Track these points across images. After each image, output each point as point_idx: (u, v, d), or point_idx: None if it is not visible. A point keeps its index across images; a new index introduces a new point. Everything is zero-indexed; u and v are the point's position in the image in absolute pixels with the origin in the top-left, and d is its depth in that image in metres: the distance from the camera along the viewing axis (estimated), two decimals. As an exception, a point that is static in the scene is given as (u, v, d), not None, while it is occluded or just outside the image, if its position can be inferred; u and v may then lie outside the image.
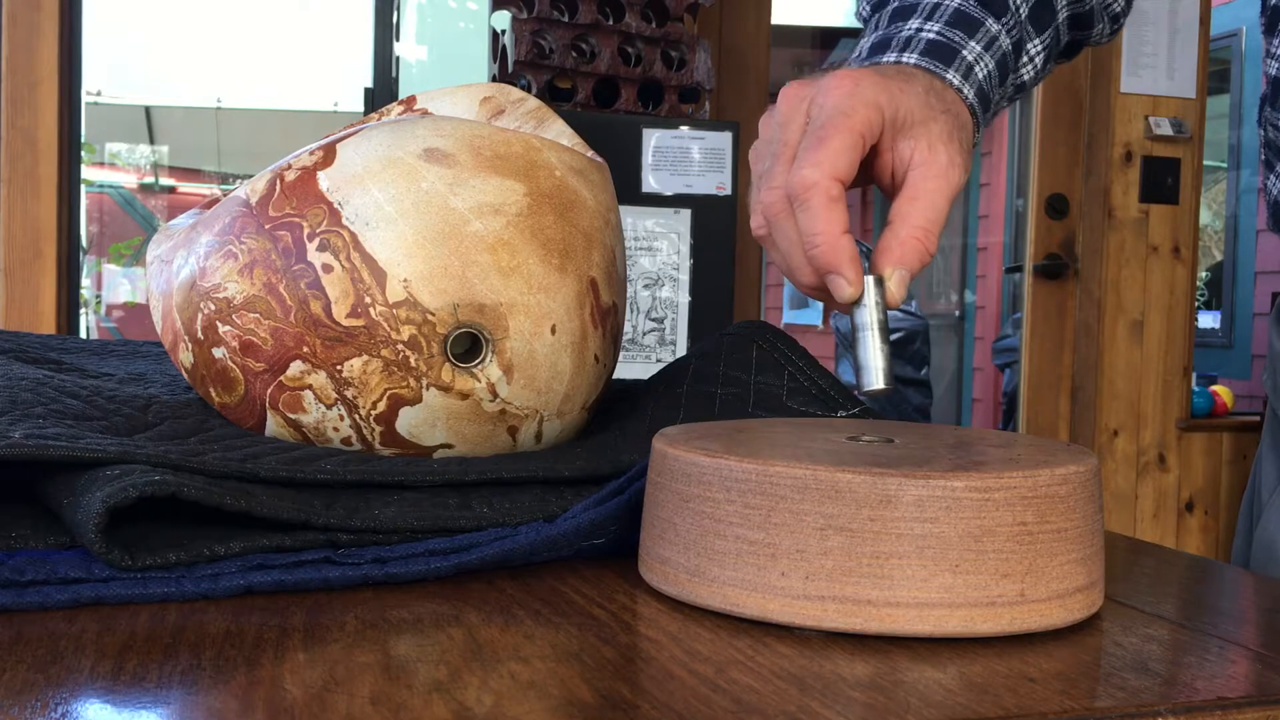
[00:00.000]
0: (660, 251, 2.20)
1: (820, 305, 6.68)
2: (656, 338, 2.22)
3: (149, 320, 0.65)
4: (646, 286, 2.21)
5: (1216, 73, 4.44)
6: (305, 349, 0.56)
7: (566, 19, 2.20)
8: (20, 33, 2.27)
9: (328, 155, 0.58)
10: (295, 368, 0.57)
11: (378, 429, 0.57)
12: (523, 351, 0.58)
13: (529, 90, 2.18)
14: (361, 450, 0.58)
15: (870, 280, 0.53)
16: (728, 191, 2.22)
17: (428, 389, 0.57)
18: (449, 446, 0.58)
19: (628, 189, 2.15)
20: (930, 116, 0.57)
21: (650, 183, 2.18)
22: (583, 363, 0.61)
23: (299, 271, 0.56)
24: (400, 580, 0.47)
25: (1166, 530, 2.97)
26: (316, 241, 0.56)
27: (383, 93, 2.64)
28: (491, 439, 0.59)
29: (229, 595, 0.44)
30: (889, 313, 0.54)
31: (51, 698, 0.34)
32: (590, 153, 0.65)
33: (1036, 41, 0.72)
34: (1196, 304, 3.02)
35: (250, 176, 0.63)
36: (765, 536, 0.42)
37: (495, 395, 0.58)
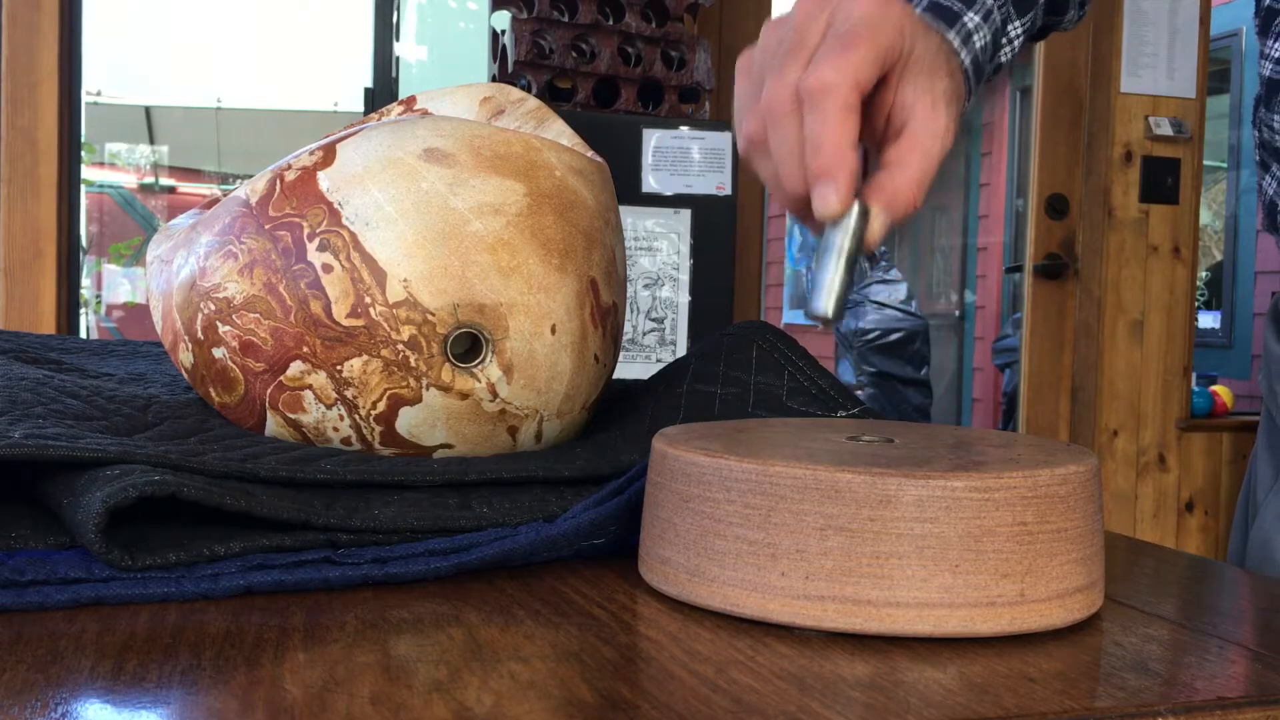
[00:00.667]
0: (660, 251, 2.20)
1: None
2: (656, 338, 2.22)
3: (149, 320, 0.65)
4: (646, 286, 2.21)
5: (1216, 73, 4.44)
6: (305, 349, 0.56)
7: (566, 19, 2.20)
8: (20, 33, 2.27)
9: (328, 155, 0.58)
10: (295, 368, 0.57)
11: (378, 429, 0.57)
12: (523, 351, 0.58)
13: (529, 90, 2.18)
14: (361, 450, 0.58)
15: (856, 205, 0.51)
16: (728, 191, 2.22)
17: (428, 389, 0.57)
18: (449, 446, 0.58)
19: (628, 189, 2.15)
20: (938, 71, 0.55)
21: (650, 183, 2.18)
22: (583, 363, 0.61)
23: (299, 271, 0.56)
24: (400, 580, 0.47)
25: (1166, 530, 2.97)
26: (316, 241, 0.56)
27: (383, 93, 2.64)
28: (491, 439, 0.59)
29: (229, 595, 0.44)
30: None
31: (51, 698, 0.34)
32: (590, 153, 0.66)
33: (1018, 23, 0.71)
34: (1196, 304, 3.02)
35: (250, 176, 0.63)
36: (765, 536, 0.42)
37: (495, 395, 0.58)
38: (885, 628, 0.41)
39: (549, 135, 0.69)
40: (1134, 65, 2.88)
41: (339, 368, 0.56)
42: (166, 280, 0.62)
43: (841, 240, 0.51)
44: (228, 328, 0.58)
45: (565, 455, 0.58)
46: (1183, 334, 2.96)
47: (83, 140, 2.47)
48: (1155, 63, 2.89)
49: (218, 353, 0.59)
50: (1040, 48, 2.93)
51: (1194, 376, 3.02)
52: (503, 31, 2.24)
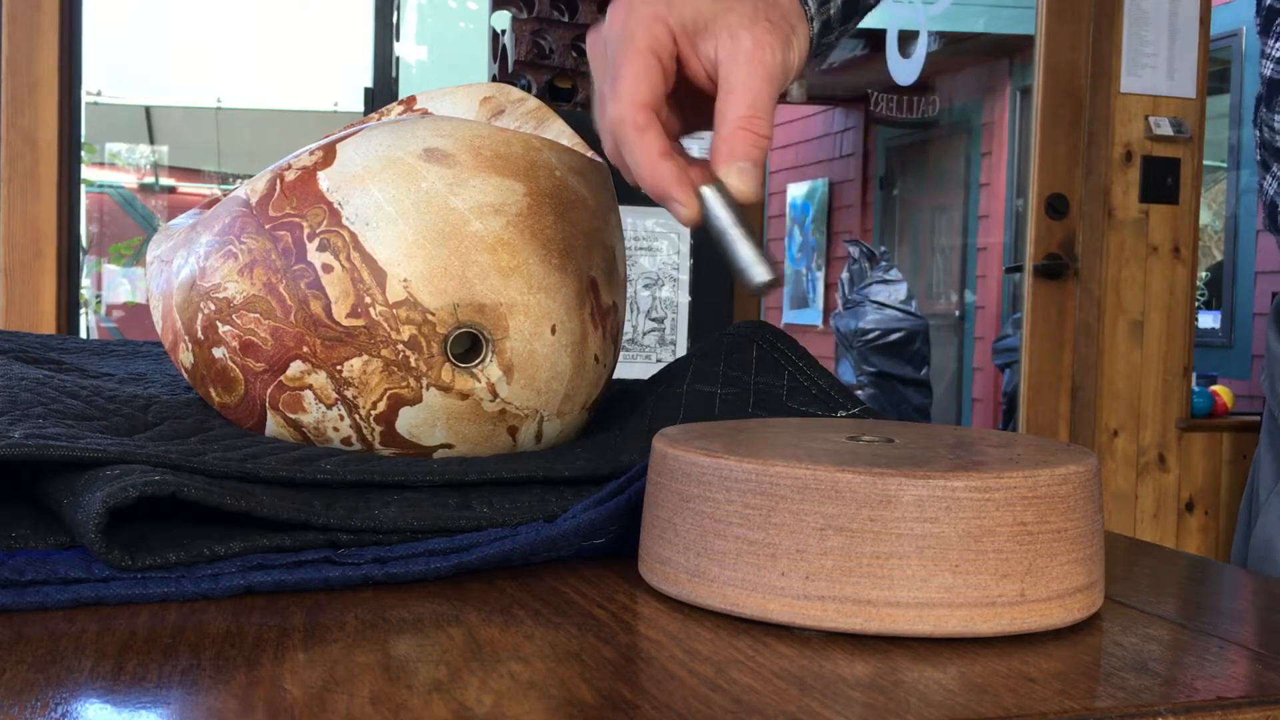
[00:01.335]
0: (660, 251, 2.20)
1: (820, 305, 6.70)
2: (656, 338, 2.22)
3: (149, 320, 0.65)
4: (646, 286, 2.21)
5: (1216, 73, 4.44)
6: (305, 349, 0.56)
7: (566, 19, 2.20)
8: (20, 33, 2.27)
9: (328, 155, 0.58)
10: (295, 368, 0.57)
11: (378, 429, 0.57)
12: (523, 351, 0.58)
13: (529, 90, 2.18)
14: (361, 450, 0.58)
15: (707, 190, 0.53)
16: (728, 191, 2.21)
17: (428, 389, 0.57)
18: (449, 446, 0.58)
19: (628, 189, 2.15)
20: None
21: (650, 183, 2.18)
22: (583, 363, 0.61)
23: (299, 271, 0.56)
24: (400, 580, 0.47)
25: (1166, 530, 2.97)
26: (316, 241, 0.56)
27: (383, 93, 2.64)
28: (491, 439, 0.59)
29: (229, 595, 0.44)
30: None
31: (51, 698, 0.34)
32: (590, 153, 0.66)
33: None
34: (1196, 304, 3.02)
35: (250, 176, 0.63)
36: (765, 536, 0.42)
37: (495, 395, 0.58)
38: (885, 628, 0.41)
39: (549, 135, 0.69)
40: (1134, 65, 2.88)
41: (339, 368, 0.56)
42: (166, 280, 0.62)
43: (722, 222, 0.53)
44: (228, 328, 0.58)
45: (565, 455, 0.58)
46: (1183, 334, 2.96)
47: (83, 140, 2.47)
48: (1155, 63, 2.89)
49: (218, 353, 0.59)
50: (1040, 48, 2.93)
51: (1194, 376, 3.02)
52: (503, 31, 2.24)
